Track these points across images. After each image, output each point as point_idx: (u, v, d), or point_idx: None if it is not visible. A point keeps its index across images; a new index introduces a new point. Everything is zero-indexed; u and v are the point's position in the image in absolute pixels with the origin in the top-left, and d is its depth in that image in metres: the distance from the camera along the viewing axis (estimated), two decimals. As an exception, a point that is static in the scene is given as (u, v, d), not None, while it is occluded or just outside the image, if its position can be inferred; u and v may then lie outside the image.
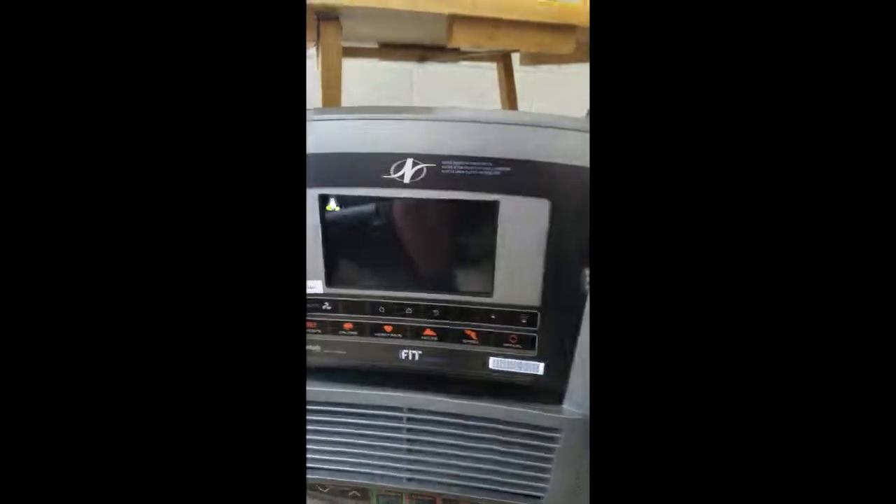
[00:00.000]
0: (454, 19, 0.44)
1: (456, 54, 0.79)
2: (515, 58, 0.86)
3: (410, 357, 0.41)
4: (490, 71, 0.91)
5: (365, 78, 1.01)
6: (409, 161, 0.36)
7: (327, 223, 0.37)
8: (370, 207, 0.37)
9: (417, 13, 0.43)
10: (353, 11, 0.41)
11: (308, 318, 0.41)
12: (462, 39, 0.44)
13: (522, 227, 0.36)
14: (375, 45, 0.74)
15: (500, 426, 0.41)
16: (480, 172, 0.36)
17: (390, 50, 0.75)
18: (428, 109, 0.37)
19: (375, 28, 0.57)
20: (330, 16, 0.42)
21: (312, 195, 0.37)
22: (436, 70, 1.01)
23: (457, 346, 0.40)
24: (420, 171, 0.36)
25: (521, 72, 0.90)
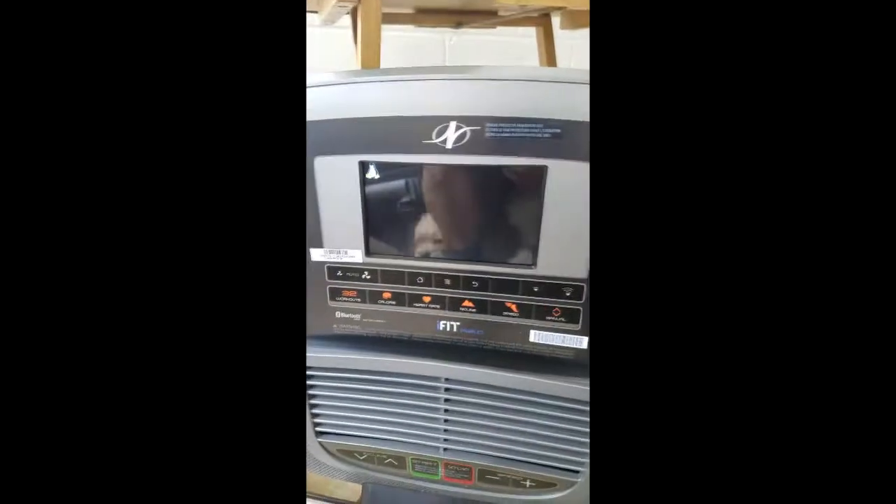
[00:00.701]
0: None
1: (493, 18, 0.75)
2: (555, 23, 0.82)
3: (448, 328, 0.40)
4: (525, 39, 0.87)
5: (396, 46, 0.98)
6: (452, 124, 0.34)
7: (366, 191, 0.37)
8: (410, 175, 0.36)
9: None
10: None
11: (348, 286, 0.40)
12: None
13: (571, 194, 0.34)
14: (411, 10, 0.72)
15: (540, 399, 0.40)
16: (528, 135, 0.34)
17: (426, 15, 0.72)
18: (472, 68, 0.35)
19: None
20: None
21: (352, 161, 0.36)
22: (470, 37, 0.98)
23: (497, 318, 0.39)
24: (463, 134, 0.34)
25: (559, 37, 0.85)
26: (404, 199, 0.37)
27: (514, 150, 0.34)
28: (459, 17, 0.73)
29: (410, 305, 0.40)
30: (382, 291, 0.40)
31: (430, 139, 0.35)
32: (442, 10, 0.72)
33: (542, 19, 0.79)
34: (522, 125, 0.34)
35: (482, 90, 0.33)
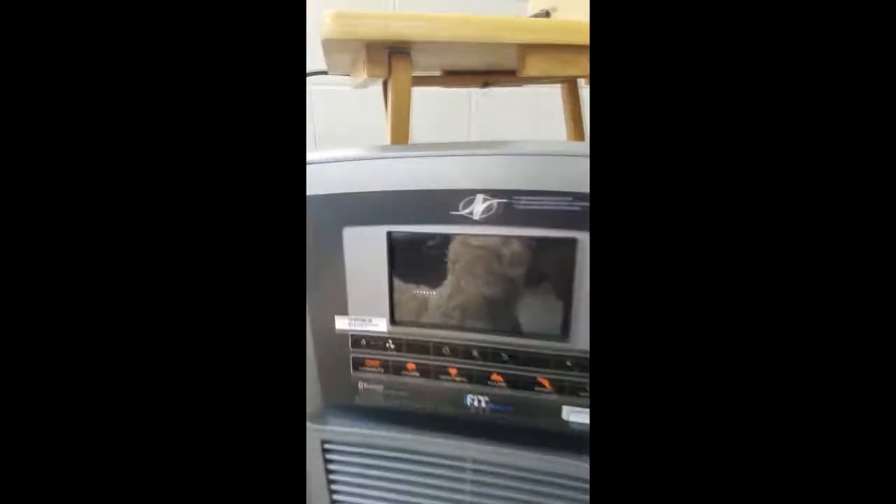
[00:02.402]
0: (527, 48, 0.42)
1: (520, 79, 0.77)
2: (581, 81, 0.83)
3: (476, 403, 0.38)
4: (554, 90, 0.89)
5: (423, 102, 1.01)
6: (479, 197, 0.34)
7: (394, 260, 0.36)
8: (438, 245, 0.36)
9: (488, 47, 0.42)
10: (427, 45, 0.41)
11: (371, 356, 0.39)
12: (535, 68, 0.42)
13: (605, 268, 0.33)
14: (439, 73, 0.74)
15: (575, 483, 0.37)
16: (556, 207, 0.33)
17: (454, 77, 0.75)
18: (498, 144, 0.35)
19: (443, 59, 0.57)
20: (403, 50, 0.41)
21: (380, 232, 0.36)
22: (496, 93, 1.00)
23: (528, 395, 0.37)
24: (490, 206, 0.34)
25: (584, 89, 0.86)
26: (431, 269, 0.37)
27: (543, 223, 0.33)
28: (486, 78, 0.75)
29: (436, 378, 0.38)
30: (407, 362, 0.39)
31: (458, 210, 0.35)
32: (469, 72, 0.73)
33: (567, 80, 0.81)
34: (550, 198, 0.33)
35: (509, 164, 0.34)
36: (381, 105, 0.72)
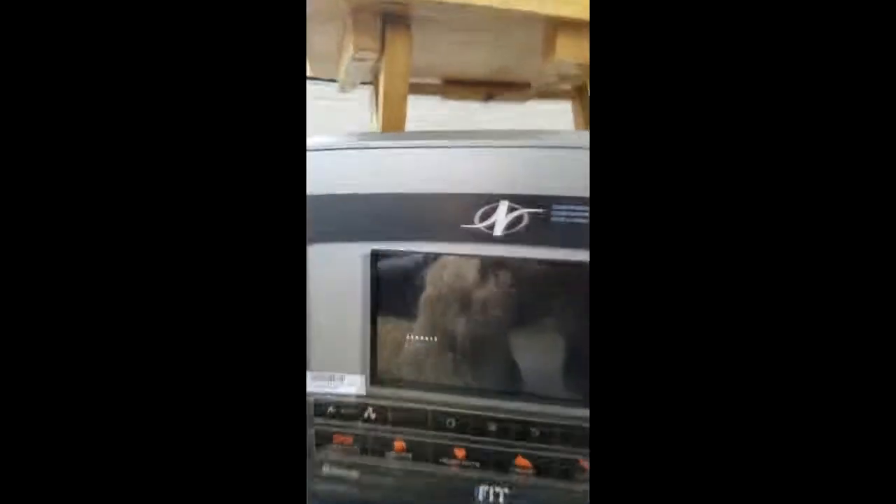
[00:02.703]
0: (558, 25, 0.35)
1: (525, 92, 0.72)
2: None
3: (493, 498, 0.30)
4: (563, 116, 0.84)
5: (420, 120, 0.96)
6: (503, 205, 0.27)
7: (377, 292, 0.29)
8: (442, 272, 0.29)
9: (506, 24, 0.36)
10: (430, 15, 0.34)
11: (341, 429, 0.31)
12: (568, 52, 0.35)
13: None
14: (438, 81, 0.68)
15: None
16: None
17: (454, 87, 0.70)
18: (531, 133, 0.28)
19: (447, 53, 0.50)
20: (400, 20, 0.35)
21: (359, 251, 0.29)
22: (500, 114, 0.95)
23: (567, 486, 0.29)
24: (519, 218, 0.27)
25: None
26: (431, 307, 0.29)
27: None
28: (490, 89, 0.70)
29: (436, 462, 0.30)
30: (393, 439, 0.30)
31: (472, 223, 0.27)
32: (472, 82, 0.69)
33: (577, 92, 0.76)
34: None
35: (545, 160, 0.27)
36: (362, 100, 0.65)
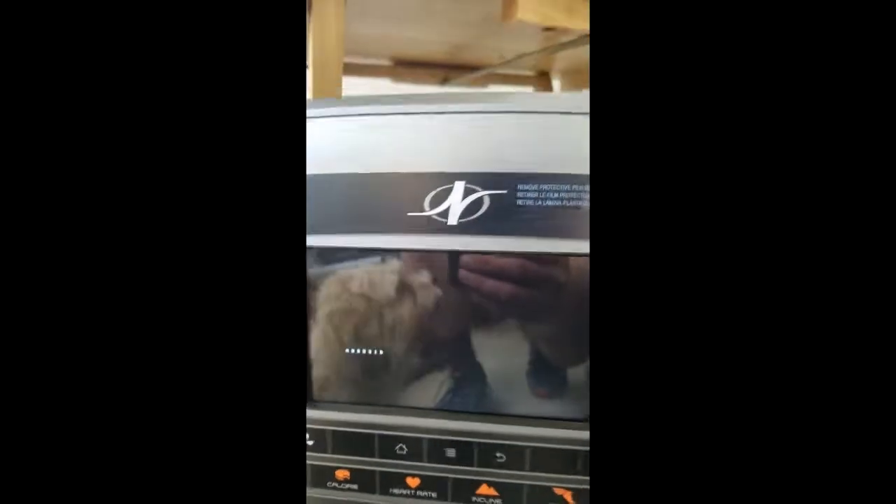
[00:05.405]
0: None
1: (484, 75, 0.69)
2: (556, 86, 0.76)
3: None
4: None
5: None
6: (459, 186, 0.23)
7: (315, 296, 0.25)
8: (386, 268, 0.24)
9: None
10: None
11: None
12: (530, 10, 0.30)
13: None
14: (388, 63, 0.63)
15: None
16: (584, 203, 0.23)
17: (406, 69, 0.65)
18: (489, 96, 0.23)
19: (393, 25, 0.45)
20: None
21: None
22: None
23: None
24: (478, 202, 0.23)
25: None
26: (375, 311, 0.25)
27: (569, 230, 0.23)
28: (446, 72, 0.66)
29: (385, 493, 0.26)
30: (335, 468, 0.26)
31: (421, 210, 0.23)
32: (425, 63, 0.66)
33: (540, 79, 0.74)
34: (581, 187, 0.23)
35: (510, 130, 0.22)
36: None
